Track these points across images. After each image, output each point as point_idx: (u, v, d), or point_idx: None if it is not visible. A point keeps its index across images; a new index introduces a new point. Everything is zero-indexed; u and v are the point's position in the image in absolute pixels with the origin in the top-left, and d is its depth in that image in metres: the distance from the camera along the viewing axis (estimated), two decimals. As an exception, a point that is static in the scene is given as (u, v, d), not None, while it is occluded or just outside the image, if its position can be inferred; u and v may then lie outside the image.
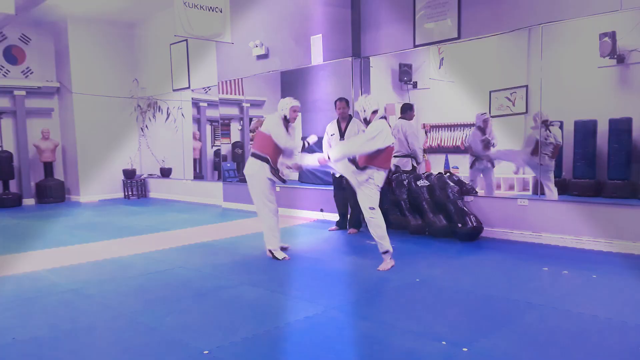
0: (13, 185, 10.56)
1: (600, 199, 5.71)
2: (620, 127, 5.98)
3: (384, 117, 4.47)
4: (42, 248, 5.88)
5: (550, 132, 6.05)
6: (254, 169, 5.01)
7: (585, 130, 6.27)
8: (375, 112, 4.48)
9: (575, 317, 3.25)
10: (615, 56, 6.04)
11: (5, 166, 10.11)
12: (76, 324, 3.36)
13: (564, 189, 6.11)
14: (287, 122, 5.04)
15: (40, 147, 10.65)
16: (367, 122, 4.53)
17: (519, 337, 2.96)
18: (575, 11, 5.15)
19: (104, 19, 10.91)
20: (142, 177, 11.61)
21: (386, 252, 4.49)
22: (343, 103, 6.13)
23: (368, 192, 4.45)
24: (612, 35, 5.88)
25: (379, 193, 4.51)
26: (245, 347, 2.89)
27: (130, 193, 11.34)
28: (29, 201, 10.65)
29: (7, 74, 10.54)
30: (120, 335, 3.16)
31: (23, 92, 10.57)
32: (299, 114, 5.21)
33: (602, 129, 6.14)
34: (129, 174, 11.39)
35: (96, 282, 4.33)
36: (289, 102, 5.04)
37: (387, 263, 4.50)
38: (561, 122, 6.25)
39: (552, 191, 5.90)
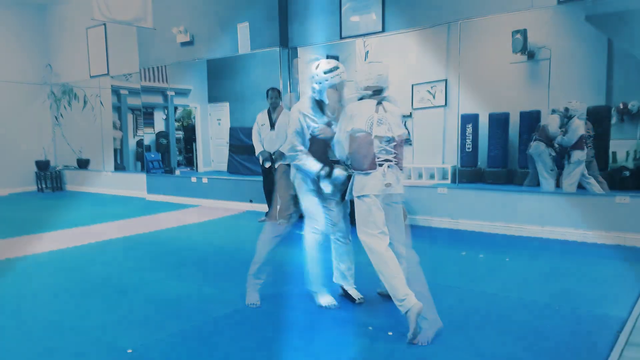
0: None
1: (511, 187, 6.10)
2: (529, 119, 6.42)
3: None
4: (-57, 247, 5.39)
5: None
6: None
7: (498, 123, 6.66)
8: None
9: (490, 298, 3.48)
10: (526, 52, 6.46)
11: None
12: (-16, 328, 3.13)
13: (479, 177, 6.47)
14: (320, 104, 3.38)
15: (-63, 137, 9.71)
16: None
17: (441, 318, 3.11)
18: (491, 9, 5.54)
19: (11, -2, 10.08)
20: (58, 168, 10.92)
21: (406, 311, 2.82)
22: (275, 93, 6.17)
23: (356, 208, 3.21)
24: (524, 33, 6.27)
25: (367, 208, 3.18)
26: (172, 344, 2.83)
27: (44, 186, 10.64)
28: None
29: None
30: (36, 337, 2.97)
31: None
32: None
33: (514, 121, 6.55)
34: (43, 166, 10.67)
35: (6, 283, 4.04)
36: (324, 76, 3.30)
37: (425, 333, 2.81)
38: (477, 115, 6.59)
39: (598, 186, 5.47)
